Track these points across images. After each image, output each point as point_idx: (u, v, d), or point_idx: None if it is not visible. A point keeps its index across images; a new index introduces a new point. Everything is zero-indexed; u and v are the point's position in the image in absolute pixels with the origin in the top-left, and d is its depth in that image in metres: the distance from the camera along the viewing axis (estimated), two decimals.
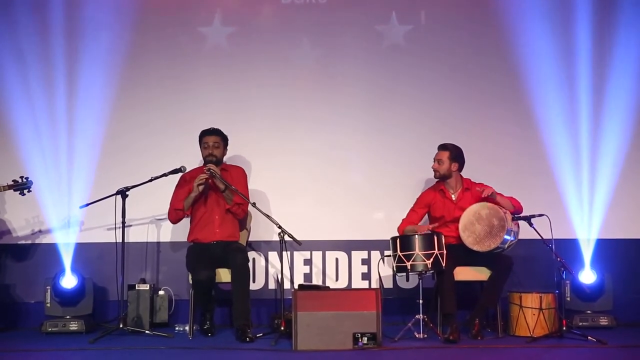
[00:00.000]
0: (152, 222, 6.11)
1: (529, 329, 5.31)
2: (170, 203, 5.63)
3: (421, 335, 5.13)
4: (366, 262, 6.17)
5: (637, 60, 6.25)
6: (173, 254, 6.08)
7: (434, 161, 5.62)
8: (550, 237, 5.17)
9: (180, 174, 5.65)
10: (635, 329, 5.79)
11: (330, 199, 6.22)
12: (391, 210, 6.10)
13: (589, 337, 5.08)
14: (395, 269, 5.30)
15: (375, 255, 6.09)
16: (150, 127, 6.23)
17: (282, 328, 5.15)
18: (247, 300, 5.34)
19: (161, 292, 5.89)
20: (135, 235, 5.97)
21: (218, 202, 5.58)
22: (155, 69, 6.29)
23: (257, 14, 6.36)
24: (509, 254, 5.42)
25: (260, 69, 6.30)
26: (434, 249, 5.17)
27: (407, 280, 5.70)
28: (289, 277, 5.68)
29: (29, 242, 6.10)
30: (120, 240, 5.46)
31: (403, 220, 5.65)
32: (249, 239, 5.91)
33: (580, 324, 5.66)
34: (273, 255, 6.12)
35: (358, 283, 6.16)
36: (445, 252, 5.22)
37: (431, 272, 5.28)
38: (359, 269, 6.17)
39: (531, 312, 5.34)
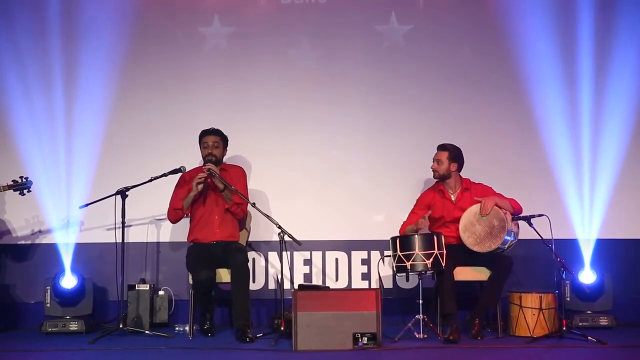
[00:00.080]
0: (152, 222, 6.11)
1: (529, 329, 5.31)
2: (170, 203, 5.63)
3: (421, 336, 5.13)
4: (366, 262, 6.17)
5: (637, 60, 6.25)
6: (173, 254, 6.08)
7: (433, 161, 5.62)
8: (550, 237, 5.16)
9: (179, 174, 5.65)
10: (635, 329, 5.79)
11: (330, 199, 6.22)
12: (391, 210, 6.11)
13: (589, 337, 5.08)
14: (395, 269, 5.30)
15: (375, 255, 6.09)
16: (150, 127, 6.23)
17: (282, 328, 5.15)
18: (247, 301, 5.34)
19: (161, 292, 5.89)
20: (135, 235, 5.97)
21: (217, 202, 5.58)
22: (155, 69, 6.29)
23: (257, 14, 6.36)
24: (509, 254, 5.42)
25: (260, 69, 6.30)
26: (434, 249, 5.17)
27: (407, 280, 5.71)
28: (288, 277, 5.68)
29: (29, 242, 6.10)
30: (120, 241, 5.46)
31: (404, 222, 5.64)
32: (249, 239, 5.91)
33: (580, 324, 5.66)
34: (273, 256, 6.13)
35: (358, 283, 6.16)
36: (445, 252, 5.22)
37: (431, 272, 5.28)
38: (358, 269, 6.17)
39: (531, 312, 5.34)
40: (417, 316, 5.15)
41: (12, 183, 5.62)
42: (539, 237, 5.22)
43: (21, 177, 5.64)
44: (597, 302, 5.79)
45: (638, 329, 5.78)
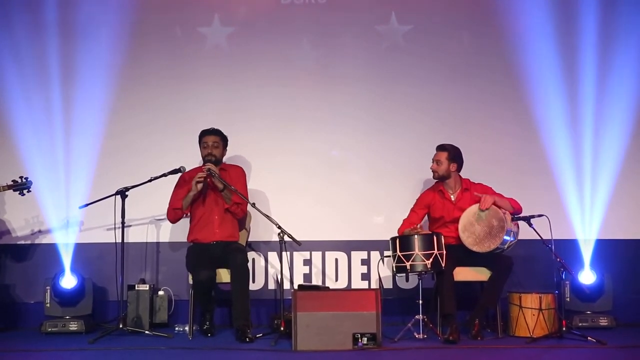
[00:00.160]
0: (152, 222, 6.11)
1: (529, 330, 5.31)
2: (169, 202, 5.63)
3: (421, 336, 5.12)
4: (366, 262, 6.17)
5: (637, 60, 6.25)
6: (173, 254, 6.08)
7: (433, 162, 5.62)
8: (550, 238, 5.16)
9: (179, 174, 5.65)
10: (635, 329, 5.79)
11: (330, 199, 6.22)
12: (391, 211, 6.11)
13: (589, 338, 5.08)
14: (394, 269, 5.30)
15: (375, 255, 6.09)
16: (150, 127, 6.23)
17: (282, 328, 5.15)
18: (247, 301, 5.34)
19: (161, 292, 5.89)
20: (134, 235, 5.98)
21: (217, 202, 5.58)
22: (155, 69, 6.29)
23: (257, 14, 6.36)
24: (509, 255, 5.42)
25: (260, 69, 6.30)
26: (434, 249, 5.17)
27: (407, 280, 5.72)
28: (288, 277, 5.68)
29: (29, 242, 6.10)
30: (120, 241, 5.46)
31: (404, 220, 5.63)
32: (249, 239, 5.91)
33: (580, 324, 5.66)
34: (273, 256, 6.12)
35: (358, 283, 6.16)
36: (444, 252, 5.22)
37: (431, 272, 5.27)
38: (358, 269, 6.17)
39: (531, 313, 5.33)
40: (416, 316, 5.15)
41: (12, 183, 5.62)
42: (539, 238, 5.22)
43: (21, 177, 5.64)
44: (597, 302, 5.79)
45: (638, 329, 5.78)
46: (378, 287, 5.51)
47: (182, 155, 5.92)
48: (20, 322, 5.97)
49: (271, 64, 6.30)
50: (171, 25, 6.32)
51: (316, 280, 6.11)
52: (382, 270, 5.67)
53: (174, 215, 5.60)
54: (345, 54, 6.33)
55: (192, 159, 5.84)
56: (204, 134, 5.66)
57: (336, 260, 6.18)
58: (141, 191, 5.56)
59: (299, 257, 6.15)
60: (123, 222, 5.45)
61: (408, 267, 5.18)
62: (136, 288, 5.74)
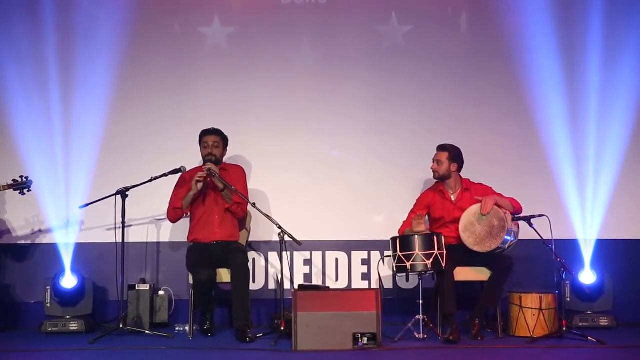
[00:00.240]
0: (152, 222, 6.11)
1: (529, 330, 5.31)
2: (169, 202, 5.63)
3: (421, 336, 5.12)
4: (366, 262, 6.17)
5: (637, 60, 6.25)
6: (173, 254, 6.08)
7: (433, 162, 5.62)
8: (550, 238, 5.16)
9: (179, 174, 5.65)
10: (635, 329, 5.79)
11: (330, 199, 6.22)
12: (391, 211, 6.11)
13: (589, 338, 5.08)
14: (395, 269, 5.30)
15: (375, 255, 6.09)
16: (150, 127, 6.23)
17: (282, 328, 5.15)
18: (247, 301, 5.34)
19: (161, 292, 5.89)
20: (135, 235, 5.97)
21: (217, 202, 5.58)
22: (155, 69, 6.29)
23: (257, 14, 6.35)
24: (509, 255, 5.42)
25: (260, 69, 6.30)
26: (434, 249, 5.17)
27: (407, 280, 5.72)
28: (289, 277, 5.67)
29: (29, 242, 6.10)
30: (120, 240, 5.46)
31: (404, 222, 5.63)
32: (249, 239, 5.91)
33: (580, 324, 5.67)
34: (273, 256, 6.12)
35: (358, 283, 6.16)
36: (445, 252, 5.22)
37: (431, 272, 5.27)
38: (359, 269, 6.17)
39: (531, 313, 5.33)
40: (417, 316, 5.15)
41: (12, 182, 5.62)
42: (539, 238, 5.22)
43: (21, 177, 5.64)
44: (597, 302, 5.79)
45: (638, 329, 5.78)
46: (378, 287, 5.51)
47: (183, 155, 5.92)
48: (20, 322, 5.97)
49: (271, 64, 6.30)
50: (171, 25, 6.32)
51: (316, 280, 6.11)
52: (383, 270, 5.67)
53: (174, 215, 5.60)
54: (345, 54, 6.32)
55: (193, 158, 5.84)
56: (204, 133, 5.66)
57: (336, 260, 6.18)
58: (141, 191, 5.56)
59: (299, 257, 6.15)
60: (123, 222, 5.44)
61: (408, 267, 5.18)
62: (136, 288, 5.74)
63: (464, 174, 5.68)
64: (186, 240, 5.67)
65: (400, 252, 5.20)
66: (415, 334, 5.13)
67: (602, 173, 6.16)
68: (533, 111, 6.25)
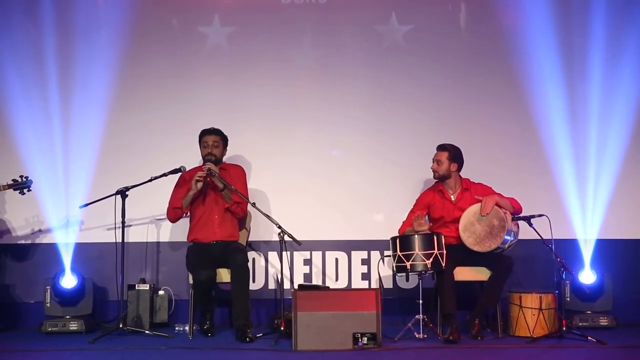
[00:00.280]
0: (152, 222, 6.11)
1: (529, 329, 5.31)
2: (169, 202, 5.63)
3: (421, 336, 5.12)
4: (366, 262, 6.17)
5: (637, 59, 6.25)
6: (173, 253, 6.08)
7: (433, 162, 5.62)
8: (550, 237, 5.16)
9: (179, 174, 5.65)
10: (635, 329, 5.79)
11: (330, 199, 6.22)
12: (391, 211, 6.11)
13: (589, 338, 5.08)
14: (395, 269, 5.30)
15: (375, 255, 6.09)
16: (150, 127, 6.23)
17: (282, 328, 5.15)
18: (247, 300, 5.34)
19: (161, 292, 5.88)
20: (135, 235, 5.98)
21: (217, 202, 5.58)
22: (155, 68, 6.29)
23: (257, 14, 6.35)
24: (509, 254, 5.42)
25: (260, 69, 6.30)
26: (434, 249, 5.17)
27: (407, 280, 5.71)
28: (288, 277, 5.67)
29: (29, 242, 6.09)
30: (120, 240, 5.45)
31: (403, 222, 5.63)
32: (249, 239, 5.91)
33: (580, 324, 5.66)
34: (273, 255, 6.12)
35: (358, 283, 6.16)
36: (445, 252, 5.22)
37: (431, 272, 5.27)
38: (358, 269, 6.17)
39: (531, 313, 5.33)
40: (417, 316, 5.15)
41: (12, 182, 5.62)
42: (539, 237, 5.22)
43: (21, 177, 5.64)
44: (597, 302, 5.79)
45: (638, 329, 5.78)
46: (378, 286, 5.51)
47: (182, 154, 5.92)
48: (20, 322, 5.97)
49: (271, 64, 6.30)
50: (171, 25, 6.32)
51: (316, 280, 6.11)
52: (382, 270, 5.66)
53: (173, 214, 5.60)
54: (345, 54, 6.32)
55: (192, 158, 5.84)
56: (204, 133, 5.66)
57: (336, 260, 6.18)
58: (141, 191, 5.56)
59: (299, 256, 6.15)
60: (123, 222, 5.44)
61: (408, 266, 5.18)
62: (136, 288, 5.74)
63: (464, 173, 5.67)
64: (186, 240, 5.67)
65: (400, 251, 5.20)
66: (415, 333, 5.13)
67: (602, 173, 6.15)
68: (533, 110, 6.24)
